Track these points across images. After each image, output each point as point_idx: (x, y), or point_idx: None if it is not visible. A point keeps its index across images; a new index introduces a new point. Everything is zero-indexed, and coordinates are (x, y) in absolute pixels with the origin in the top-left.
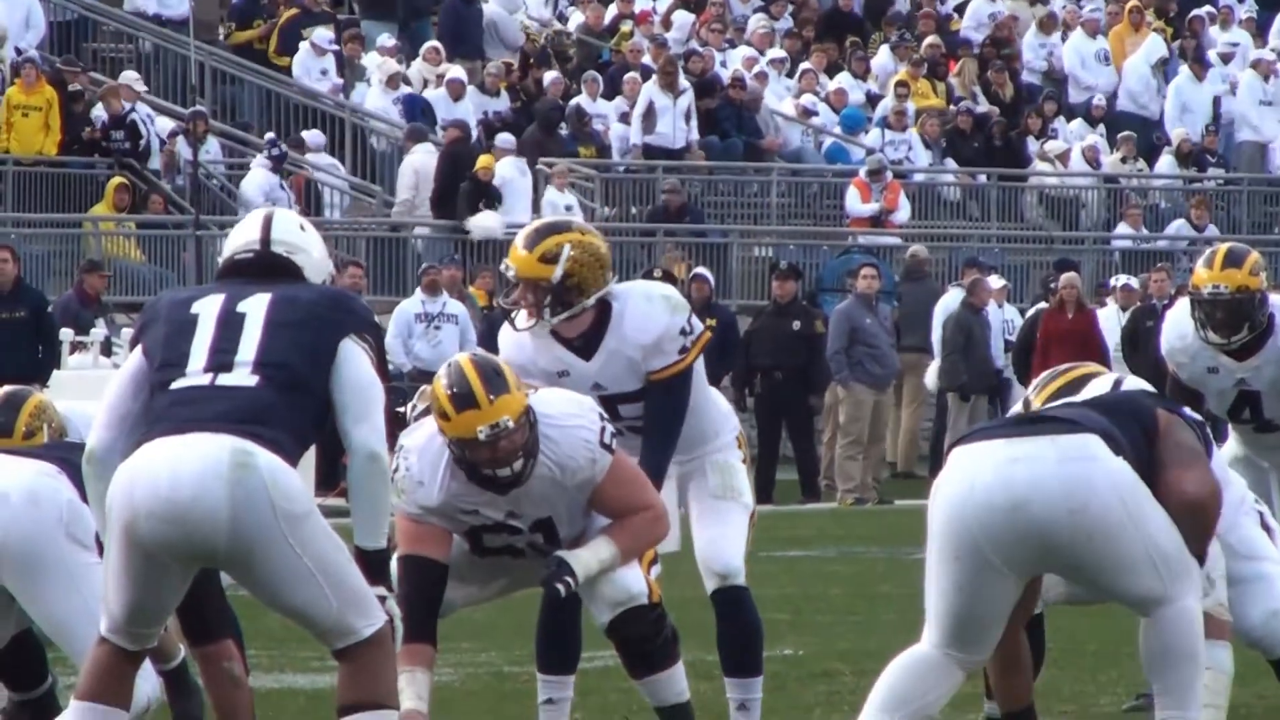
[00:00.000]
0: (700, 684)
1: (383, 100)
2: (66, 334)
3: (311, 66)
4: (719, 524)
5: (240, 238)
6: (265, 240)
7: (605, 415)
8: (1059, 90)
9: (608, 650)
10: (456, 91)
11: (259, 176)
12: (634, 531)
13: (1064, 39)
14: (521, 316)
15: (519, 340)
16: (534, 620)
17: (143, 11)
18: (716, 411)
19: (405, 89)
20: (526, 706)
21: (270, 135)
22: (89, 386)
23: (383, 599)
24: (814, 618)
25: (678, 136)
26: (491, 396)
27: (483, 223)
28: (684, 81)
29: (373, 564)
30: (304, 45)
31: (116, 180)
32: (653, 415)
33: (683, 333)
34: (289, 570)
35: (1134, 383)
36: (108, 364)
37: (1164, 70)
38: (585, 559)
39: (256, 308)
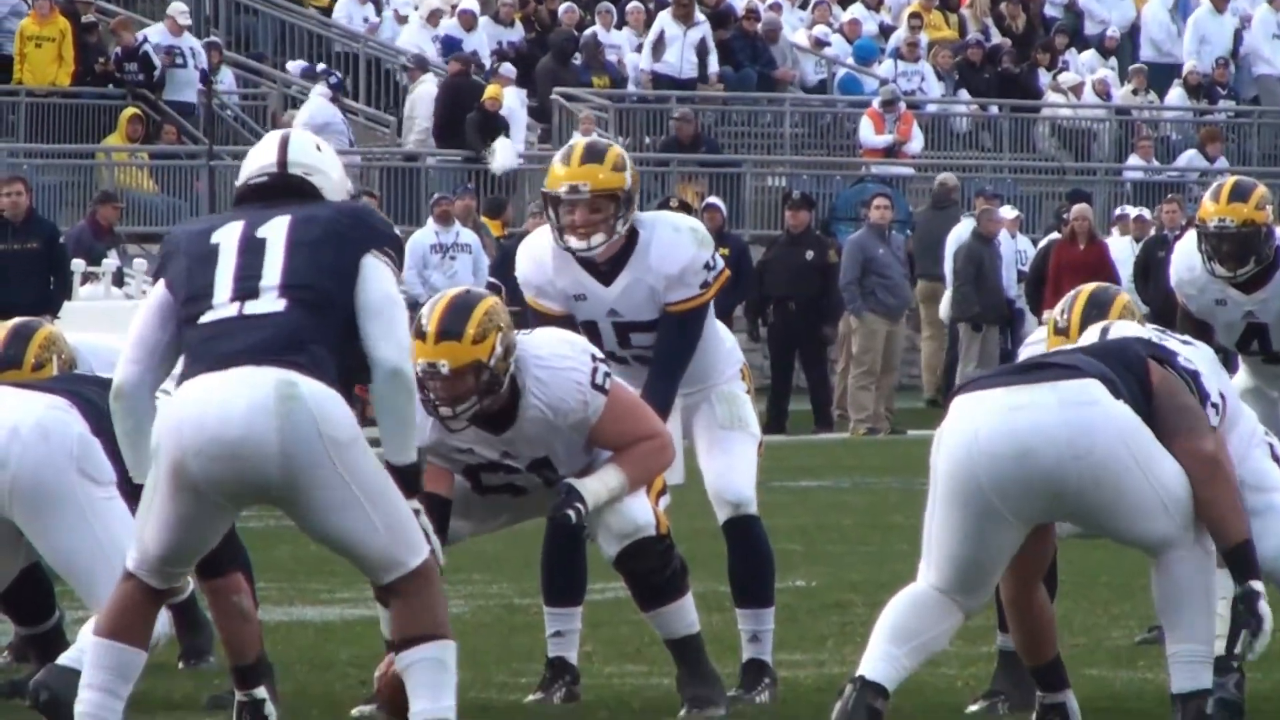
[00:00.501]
0: (711, 615)
1: (420, 36)
2: (78, 265)
3: (355, 12)
4: (727, 454)
5: (256, 161)
6: (282, 162)
7: (599, 355)
8: (1077, 22)
9: (618, 582)
10: (468, 22)
11: (318, 105)
12: (640, 460)
13: None
14: (572, 239)
15: (539, 260)
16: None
17: None
18: (722, 346)
19: (445, 26)
20: (537, 638)
21: (322, 65)
22: (100, 318)
23: (417, 512)
24: (826, 548)
25: (685, 67)
26: (440, 336)
27: (503, 157)
28: (700, 15)
29: (405, 478)
30: None
31: (130, 111)
32: (663, 347)
33: (706, 267)
34: (338, 499)
35: (1121, 328)
36: (119, 295)
37: (1178, 9)
38: (593, 487)
39: (277, 231)
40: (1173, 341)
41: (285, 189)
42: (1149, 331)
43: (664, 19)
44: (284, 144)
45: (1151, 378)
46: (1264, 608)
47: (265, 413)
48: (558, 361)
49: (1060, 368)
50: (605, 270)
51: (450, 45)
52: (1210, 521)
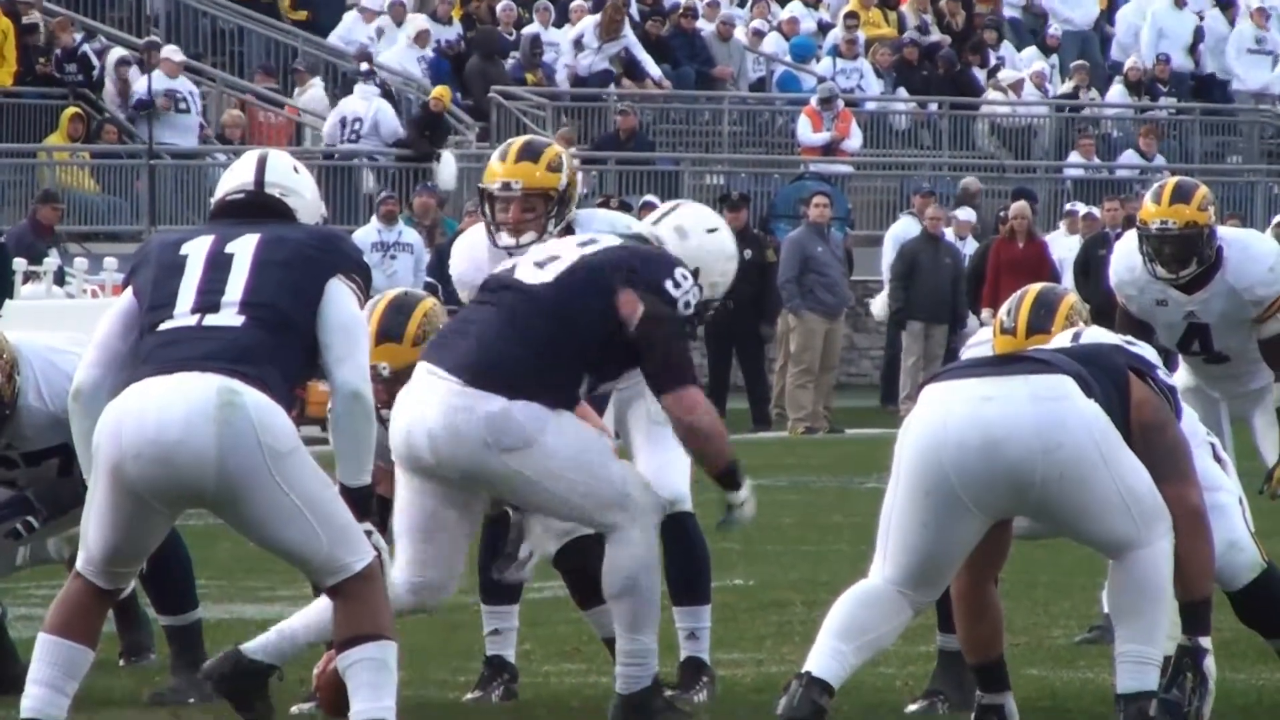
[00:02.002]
0: None
1: (407, 55)
2: (20, 264)
3: (359, 31)
4: (662, 450)
5: (234, 179)
6: (259, 182)
7: None
8: (1037, 22)
9: (556, 581)
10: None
11: (364, 98)
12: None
13: None
14: (504, 236)
15: (474, 258)
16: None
17: None
18: None
19: (431, 48)
20: (476, 637)
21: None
22: (42, 317)
23: (369, 533)
24: (765, 547)
25: (600, 76)
26: (380, 338)
27: (446, 174)
28: (626, 29)
29: (358, 500)
30: (350, 14)
31: (71, 110)
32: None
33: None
34: (277, 508)
35: (1095, 334)
36: (61, 294)
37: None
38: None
39: (245, 248)
40: (1144, 349)
41: (260, 207)
42: (1120, 339)
43: (587, 25)
44: (261, 164)
45: (1131, 390)
46: (1209, 666)
47: (204, 418)
48: None
49: (1034, 362)
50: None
51: (437, 67)
52: (1181, 571)
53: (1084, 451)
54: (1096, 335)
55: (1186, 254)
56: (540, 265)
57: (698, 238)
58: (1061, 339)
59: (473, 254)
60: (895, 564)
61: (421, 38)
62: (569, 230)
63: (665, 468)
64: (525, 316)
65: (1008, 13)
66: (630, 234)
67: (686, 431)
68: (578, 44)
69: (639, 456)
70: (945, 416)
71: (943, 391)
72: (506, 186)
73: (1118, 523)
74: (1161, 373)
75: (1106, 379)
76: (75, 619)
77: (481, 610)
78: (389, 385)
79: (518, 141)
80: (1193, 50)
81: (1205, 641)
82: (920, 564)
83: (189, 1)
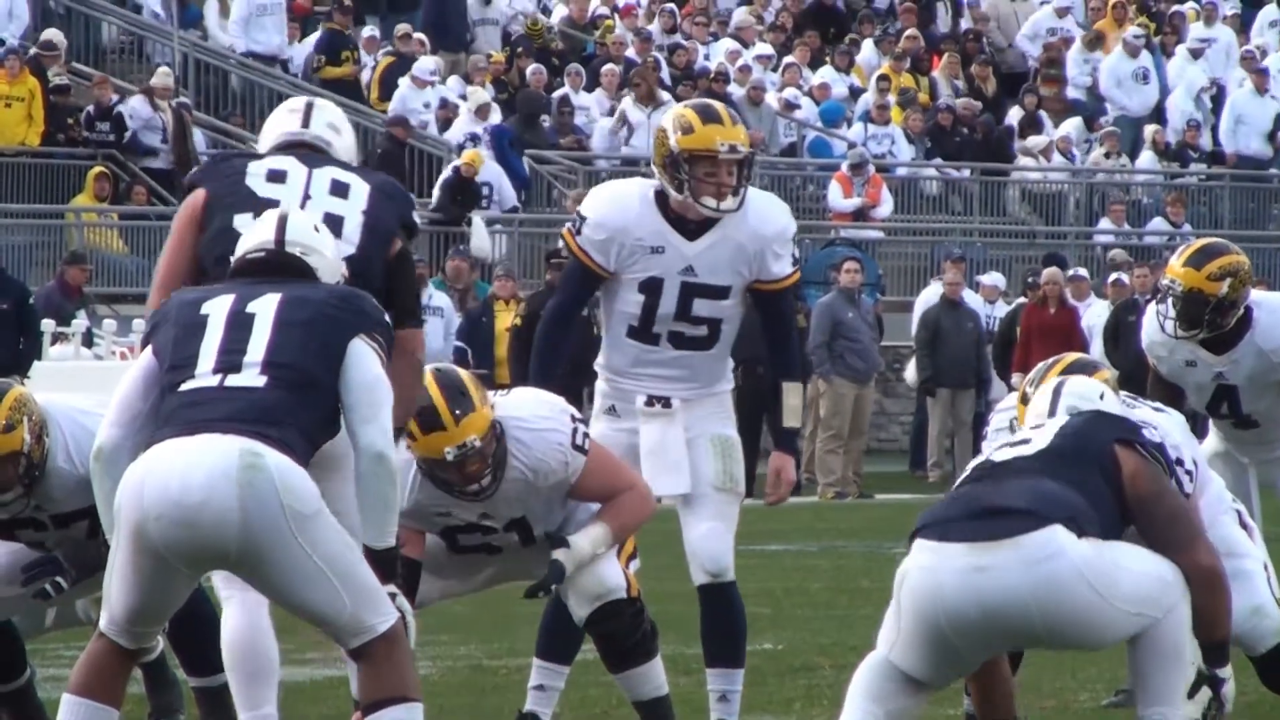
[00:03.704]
0: (679, 678)
1: (470, 127)
2: (48, 325)
3: (412, 100)
4: (715, 517)
5: (254, 238)
6: (280, 240)
7: (577, 415)
8: (1096, 104)
9: (587, 644)
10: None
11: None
12: (623, 512)
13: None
14: (709, 200)
15: (623, 203)
16: (514, 613)
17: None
18: (728, 355)
19: (495, 119)
20: (506, 699)
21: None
22: (70, 378)
23: (393, 596)
24: (794, 612)
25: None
26: (457, 415)
27: (479, 240)
28: (663, 95)
29: (382, 562)
30: (404, 81)
31: (97, 170)
32: (772, 323)
33: (795, 241)
34: (300, 570)
35: (1075, 386)
36: (89, 355)
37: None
38: (582, 547)
39: (266, 308)
40: (1144, 410)
41: (280, 266)
42: (1112, 400)
43: (627, 104)
44: (282, 223)
45: (1121, 467)
46: (1228, 692)
47: (227, 480)
48: (538, 423)
49: (1020, 516)
50: (694, 227)
51: (499, 136)
52: (1199, 622)
53: (1081, 599)
54: (1077, 389)
55: (1190, 317)
56: None
57: None
58: (1042, 394)
59: (623, 202)
60: (907, 667)
61: (483, 111)
62: None
63: (713, 537)
64: None
65: (1071, 94)
66: (786, 209)
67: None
68: (625, 126)
69: (688, 517)
70: (939, 588)
71: (934, 555)
72: (734, 149)
73: (1127, 629)
74: (1147, 432)
75: (1096, 472)
76: (99, 679)
77: (533, 665)
78: (476, 457)
79: (719, 106)
80: (1271, 137)
81: (1224, 672)
82: (933, 679)
83: (266, 83)
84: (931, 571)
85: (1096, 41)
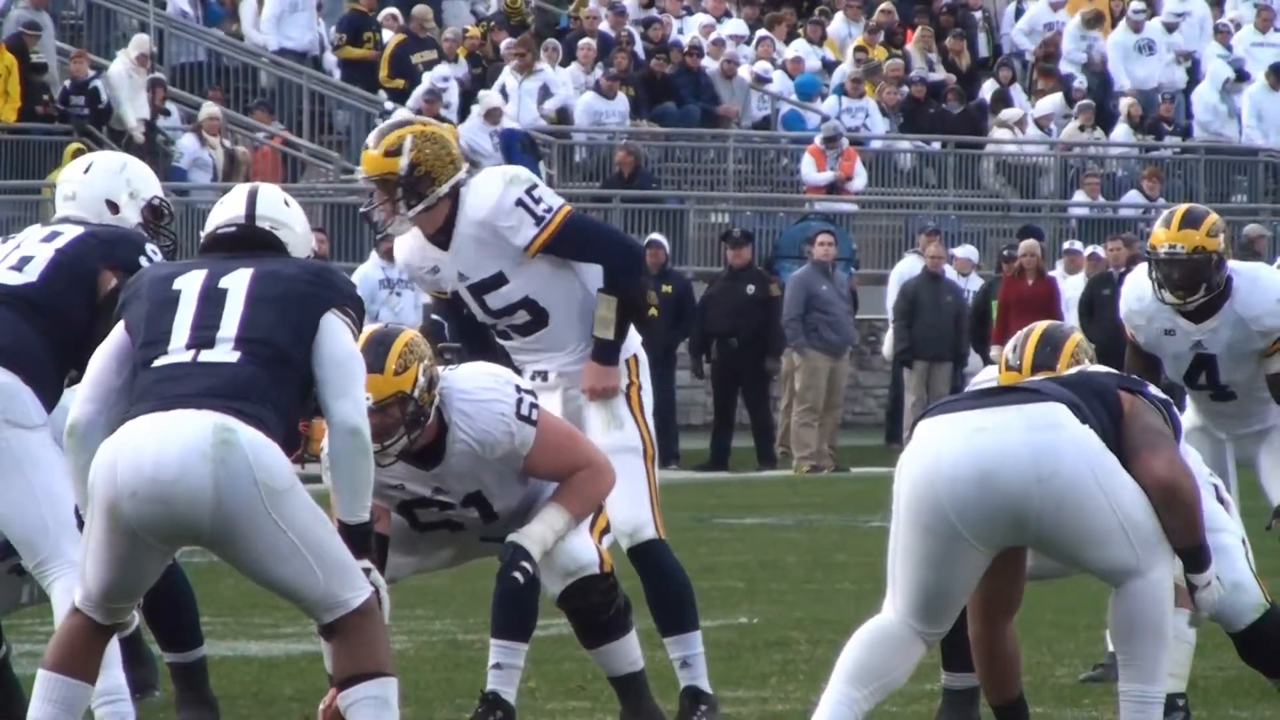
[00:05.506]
0: (655, 652)
1: (479, 132)
2: None
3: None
4: (621, 479)
5: (224, 213)
6: (250, 215)
7: (524, 386)
8: (1102, 87)
9: (561, 619)
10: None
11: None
12: (580, 490)
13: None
14: (385, 221)
15: (405, 244)
16: (489, 588)
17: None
18: (586, 314)
19: (506, 123)
20: (481, 674)
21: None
22: None
23: (367, 571)
24: (769, 586)
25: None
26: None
27: None
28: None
29: (356, 537)
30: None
31: (74, 146)
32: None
33: (521, 204)
34: (273, 546)
35: (1093, 367)
36: None
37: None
38: (538, 532)
39: (238, 283)
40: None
41: (251, 241)
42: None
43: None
44: (252, 197)
45: (1122, 404)
46: (1205, 598)
47: (201, 456)
48: (481, 394)
49: (1026, 392)
50: (442, 237)
51: (509, 139)
52: (1168, 531)
53: (1080, 478)
54: (1095, 368)
55: (1195, 279)
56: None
57: None
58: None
59: (405, 242)
60: (904, 599)
61: (493, 115)
62: (458, 196)
63: (619, 497)
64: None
65: (1064, 68)
66: (503, 175)
67: None
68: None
69: None
70: (938, 451)
71: (935, 426)
72: (359, 174)
73: (1116, 551)
74: (1153, 389)
75: (1097, 400)
76: (74, 655)
77: (490, 644)
78: (374, 417)
79: (376, 129)
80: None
81: (1203, 576)
82: (927, 599)
83: (289, 77)
84: (931, 441)
85: (1095, 20)
